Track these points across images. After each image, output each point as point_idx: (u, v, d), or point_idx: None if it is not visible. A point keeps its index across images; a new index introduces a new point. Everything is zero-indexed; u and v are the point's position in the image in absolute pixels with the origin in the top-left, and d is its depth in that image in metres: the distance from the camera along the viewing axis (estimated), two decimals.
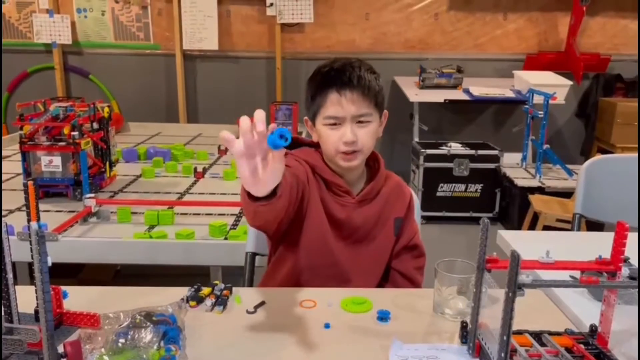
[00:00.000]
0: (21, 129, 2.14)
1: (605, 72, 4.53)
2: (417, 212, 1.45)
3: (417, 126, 4.21)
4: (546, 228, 3.05)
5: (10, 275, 0.91)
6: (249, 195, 0.96)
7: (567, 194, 3.28)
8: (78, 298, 1.08)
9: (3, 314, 0.92)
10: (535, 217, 3.20)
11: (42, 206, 1.02)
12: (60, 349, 0.84)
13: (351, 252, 1.30)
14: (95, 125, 2.27)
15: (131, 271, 2.72)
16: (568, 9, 4.39)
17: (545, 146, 3.57)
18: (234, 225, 1.90)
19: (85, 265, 2.69)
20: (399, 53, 4.60)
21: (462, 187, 3.84)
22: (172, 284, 1.16)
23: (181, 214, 2.01)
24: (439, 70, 4.18)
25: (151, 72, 4.63)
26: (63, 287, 1.01)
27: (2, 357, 0.86)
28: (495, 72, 4.58)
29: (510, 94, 4.02)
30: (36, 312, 0.97)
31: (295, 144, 1.34)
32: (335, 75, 1.21)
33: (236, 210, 2.03)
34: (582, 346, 0.89)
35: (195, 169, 2.56)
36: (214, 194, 2.28)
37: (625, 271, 0.86)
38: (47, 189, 2.15)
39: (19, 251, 1.07)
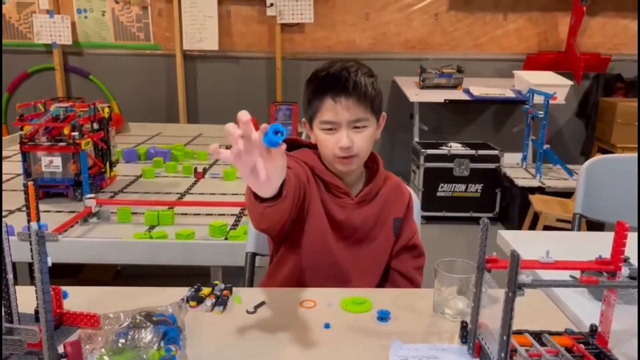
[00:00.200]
0: (21, 129, 2.15)
1: (605, 72, 4.53)
2: (417, 212, 1.45)
3: (417, 126, 4.21)
4: (546, 228, 3.05)
5: (10, 276, 0.91)
6: (256, 197, 0.96)
7: (568, 194, 3.28)
8: (78, 298, 1.08)
9: (3, 314, 0.92)
10: (536, 217, 3.20)
11: (42, 206, 1.02)
12: (61, 349, 0.84)
13: (351, 253, 1.30)
14: (96, 126, 2.27)
15: (131, 271, 2.72)
16: (568, 9, 4.39)
17: (546, 146, 3.57)
18: (234, 226, 1.90)
19: (85, 265, 2.69)
20: (399, 53, 4.60)
21: (462, 187, 3.84)
22: (173, 284, 1.17)
23: (181, 214, 2.02)
24: (439, 71, 4.18)
25: (151, 73, 4.63)
26: (63, 288, 1.01)
27: (2, 357, 0.86)
28: (496, 72, 4.58)
29: (510, 94, 4.02)
30: (36, 312, 0.97)
31: (294, 145, 1.34)
32: (330, 81, 1.21)
33: (236, 210, 2.03)
34: (582, 346, 0.89)
35: (195, 169, 2.56)
36: (214, 194, 2.28)
37: (625, 271, 0.86)
38: (47, 190, 2.15)
39: (19, 251, 1.07)
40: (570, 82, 3.98)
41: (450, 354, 0.93)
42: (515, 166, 3.91)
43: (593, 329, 0.92)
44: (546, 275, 0.88)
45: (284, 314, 1.07)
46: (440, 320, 1.06)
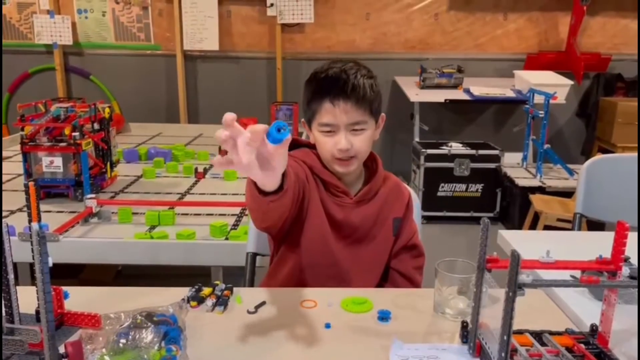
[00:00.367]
0: (22, 129, 2.15)
1: (605, 71, 4.53)
2: (417, 212, 1.45)
3: (417, 126, 4.21)
4: (547, 228, 3.05)
5: (11, 276, 0.91)
6: (259, 191, 0.97)
7: (568, 193, 3.29)
8: (79, 298, 1.08)
9: (4, 314, 0.92)
10: (536, 216, 3.20)
11: (43, 207, 1.02)
12: (62, 350, 0.84)
13: (350, 252, 1.30)
14: (96, 126, 2.27)
15: (132, 271, 2.72)
16: (568, 9, 4.39)
17: (546, 146, 3.57)
18: (235, 226, 1.90)
19: (86, 265, 2.69)
20: (400, 53, 4.60)
21: (462, 186, 3.84)
22: (173, 284, 1.17)
23: (182, 214, 2.02)
24: (439, 70, 4.18)
25: (152, 73, 4.63)
26: (64, 288, 1.01)
27: (2, 357, 0.86)
28: (496, 72, 4.58)
29: (510, 94, 4.02)
30: (37, 312, 0.97)
31: (294, 144, 1.35)
32: (329, 83, 1.21)
33: (237, 210, 2.03)
34: (582, 346, 0.89)
35: (196, 169, 2.56)
36: (214, 194, 2.28)
37: (625, 271, 0.86)
38: (48, 190, 2.15)
39: (20, 252, 1.07)
40: (571, 82, 3.98)
41: (450, 354, 0.93)
42: (515, 166, 3.91)
43: (593, 329, 0.92)
44: (546, 275, 0.88)
45: (285, 314, 1.07)
46: (441, 320, 1.07)
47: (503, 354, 0.80)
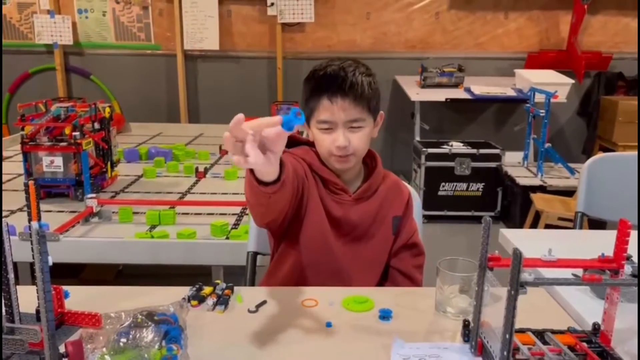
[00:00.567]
0: (22, 129, 2.14)
1: (606, 70, 4.52)
2: (418, 211, 1.45)
3: (418, 125, 4.20)
4: (548, 227, 3.05)
5: (11, 275, 0.91)
6: (259, 183, 0.96)
7: (569, 192, 3.28)
8: (79, 298, 1.08)
9: (4, 313, 0.92)
10: (537, 216, 3.19)
11: (43, 206, 1.02)
12: (62, 349, 0.84)
13: (350, 250, 1.30)
14: (97, 126, 2.27)
15: (133, 271, 2.72)
16: (569, 7, 4.39)
17: (547, 145, 3.57)
18: (236, 225, 1.89)
19: (86, 265, 2.69)
20: (400, 52, 4.60)
21: (463, 186, 3.84)
22: (174, 283, 1.16)
23: (183, 213, 2.01)
24: (440, 70, 4.18)
25: (152, 73, 4.63)
26: (64, 287, 1.01)
27: (2, 357, 0.86)
28: (497, 71, 4.57)
29: (511, 93, 4.01)
30: (37, 311, 0.97)
31: (293, 142, 1.35)
32: (327, 81, 1.21)
33: (237, 209, 2.03)
34: (585, 344, 0.89)
35: (196, 168, 2.56)
36: (215, 193, 2.28)
37: (628, 269, 0.85)
38: (48, 190, 2.15)
39: (20, 251, 1.07)
40: (572, 81, 3.98)
41: (452, 353, 0.92)
42: (516, 165, 3.90)
43: (596, 328, 0.92)
44: (548, 273, 0.88)
45: (286, 313, 1.07)
46: (442, 319, 1.06)
47: (505, 353, 0.80)
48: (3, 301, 0.91)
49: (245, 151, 0.83)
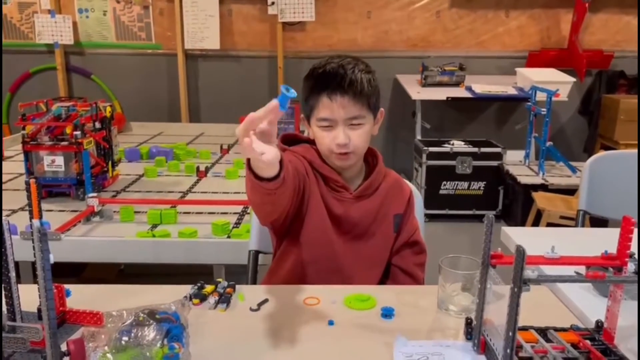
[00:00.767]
0: (23, 129, 2.14)
1: (608, 68, 4.52)
2: (420, 210, 1.44)
3: (419, 124, 4.20)
4: (549, 225, 3.04)
5: (12, 273, 0.91)
6: (261, 180, 0.97)
7: (571, 191, 3.28)
8: (81, 296, 1.08)
9: (6, 312, 0.92)
10: (539, 214, 3.19)
11: (45, 206, 1.02)
12: (63, 347, 0.84)
13: (352, 248, 1.30)
14: (98, 125, 2.27)
15: (134, 270, 2.72)
16: (570, 6, 4.38)
17: (549, 143, 3.56)
18: (237, 224, 1.89)
19: (88, 264, 2.69)
20: (401, 51, 4.59)
21: (465, 184, 3.83)
22: (176, 282, 1.16)
23: (184, 212, 2.01)
24: (441, 68, 4.17)
25: (153, 72, 4.63)
26: (66, 286, 1.01)
27: (2, 356, 0.86)
28: (498, 69, 4.57)
29: (512, 92, 4.01)
30: (39, 310, 0.97)
31: (294, 140, 1.35)
32: (327, 78, 1.21)
33: (239, 208, 2.02)
34: (588, 342, 0.89)
35: (197, 168, 2.56)
36: (216, 192, 2.28)
37: (631, 266, 0.85)
38: (50, 189, 2.15)
39: (22, 250, 1.07)
40: (573, 79, 3.97)
41: (455, 351, 0.92)
42: (518, 163, 3.89)
43: (599, 325, 0.92)
44: (550, 271, 0.87)
45: (288, 311, 1.07)
46: (445, 316, 1.06)
47: (508, 351, 0.79)
48: (4, 300, 0.91)
49: (257, 150, 0.86)
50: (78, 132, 2.09)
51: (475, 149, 3.81)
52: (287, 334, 0.98)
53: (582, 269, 0.88)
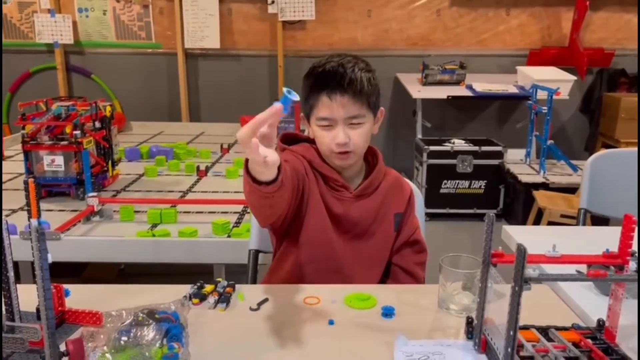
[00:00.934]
0: (23, 128, 2.14)
1: (609, 67, 4.51)
2: (420, 209, 1.44)
3: (420, 123, 4.19)
4: (550, 224, 3.04)
5: (11, 273, 0.90)
6: (259, 184, 0.96)
7: (572, 189, 3.27)
8: (80, 296, 1.07)
9: (5, 312, 0.91)
10: (540, 213, 3.18)
11: (44, 205, 1.02)
12: (62, 348, 0.84)
13: (352, 247, 1.30)
14: (98, 124, 2.26)
15: (135, 270, 2.72)
16: (571, 4, 4.37)
17: (549, 142, 3.56)
18: (237, 223, 1.89)
19: (88, 264, 2.69)
20: (402, 50, 4.59)
21: (465, 183, 3.83)
22: (176, 282, 1.16)
23: (184, 212, 2.01)
24: (441, 67, 4.17)
25: (153, 71, 4.63)
26: (65, 286, 1.01)
27: (2, 355, 0.85)
28: (498, 68, 4.56)
29: (513, 90, 4.00)
30: (38, 310, 0.96)
31: (293, 139, 1.34)
32: (326, 77, 1.21)
33: (239, 208, 2.02)
34: (589, 341, 0.88)
35: (197, 167, 2.56)
36: (216, 192, 2.27)
37: (632, 265, 0.84)
38: (49, 189, 2.15)
39: (21, 250, 1.07)
40: (574, 78, 3.96)
41: (455, 350, 0.92)
42: (518, 162, 3.89)
43: (600, 324, 0.91)
44: (551, 270, 0.87)
45: (288, 310, 1.07)
46: (445, 316, 1.06)
47: (509, 350, 0.79)
48: (3, 299, 0.91)
49: (260, 154, 0.86)
50: (78, 132, 2.09)
51: (476, 148, 3.81)
52: (287, 334, 0.98)
53: (583, 268, 0.87)
